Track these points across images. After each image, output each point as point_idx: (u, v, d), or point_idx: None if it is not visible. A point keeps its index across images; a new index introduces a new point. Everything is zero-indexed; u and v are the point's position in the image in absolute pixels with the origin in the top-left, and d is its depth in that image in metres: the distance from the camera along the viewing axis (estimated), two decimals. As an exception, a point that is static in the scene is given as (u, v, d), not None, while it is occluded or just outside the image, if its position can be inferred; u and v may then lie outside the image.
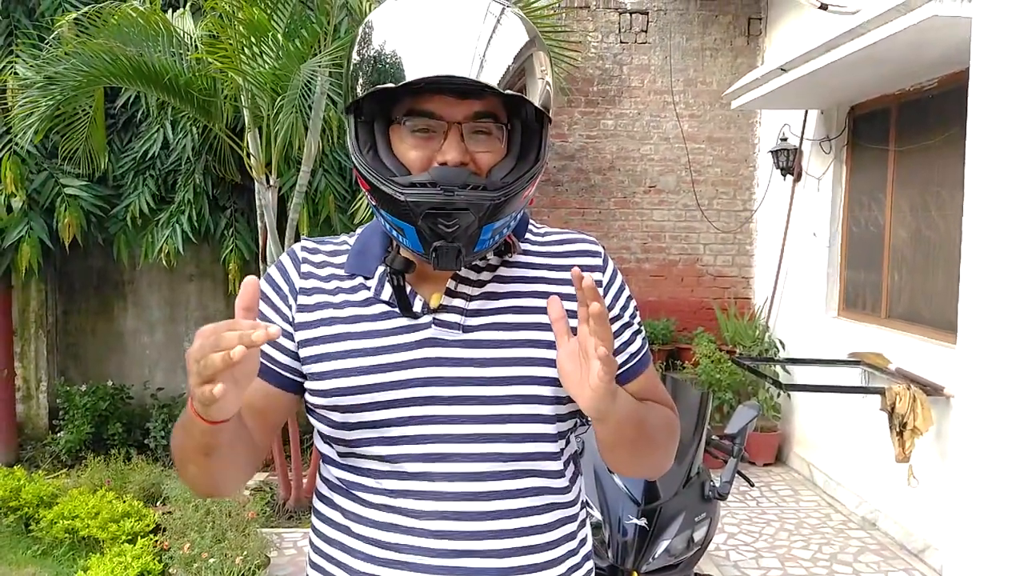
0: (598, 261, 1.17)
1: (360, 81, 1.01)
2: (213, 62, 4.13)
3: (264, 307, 1.11)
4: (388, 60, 0.98)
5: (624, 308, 1.17)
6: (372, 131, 1.05)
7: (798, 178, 5.84)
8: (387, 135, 1.05)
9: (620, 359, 1.14)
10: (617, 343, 1.14)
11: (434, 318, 1.08)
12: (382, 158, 1.03)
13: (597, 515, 2.49)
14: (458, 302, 1.09)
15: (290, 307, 1.11)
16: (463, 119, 1.01)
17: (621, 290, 1.18)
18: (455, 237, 0.98)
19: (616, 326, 1.15)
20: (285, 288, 1.12)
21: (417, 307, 1.09)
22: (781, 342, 5.98)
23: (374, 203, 1.05)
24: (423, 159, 1.02)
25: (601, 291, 1.14)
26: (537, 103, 1.02)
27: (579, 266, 1.13)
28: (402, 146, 1.03)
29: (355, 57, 1.01)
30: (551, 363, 1.07)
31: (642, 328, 1.20)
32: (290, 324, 1.10)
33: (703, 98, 6.56)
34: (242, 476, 1.09)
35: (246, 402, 0.97)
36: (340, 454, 1.11)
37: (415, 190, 0.98)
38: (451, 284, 1.10)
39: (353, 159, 1.05)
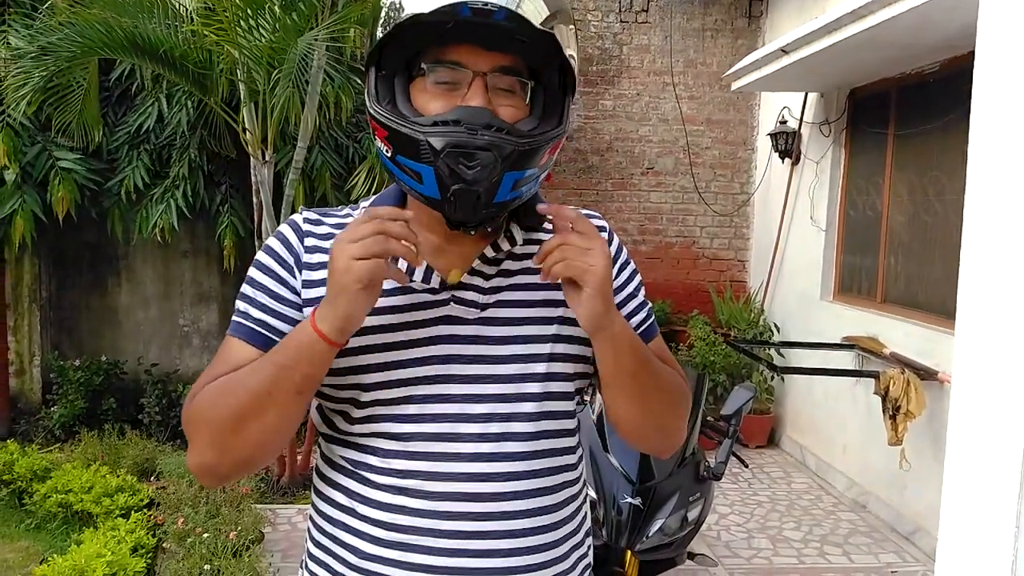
0: (603, 236, 1.16)
1: (388, 27, 1.00)
2: (209, 34, 4.08)
3: (266, 279, 1.07)
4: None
5: (628, 281, 1.18)
6: (391, 86, 1.02)
7: (796, 161, 5.82)
8: (407, 91, 1.02)
9: None
10: (623, 313, 1.14)
11: (452, 295, 1.06)
12: (400, 108, 1.00)
13: (592, 494, 2.50)
14: (477, 280, 1.08)
15: (296, 280, 1.07)
16: (488, 69, 0.99)
17: (625, 265, 1.19)
18: (475, 180, 0.94)
19: (620, 296, 1.16)
20: (290, 260, 1.08)
21: (435, 283, 1.06)
22: (776, 325, 5.99)
23: (389, 153, 1.01)
24: (445, 108, 0.98)
25: None
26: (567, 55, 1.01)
27: None
28: (423, 97, 1.00)
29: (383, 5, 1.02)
30: (564, 339, 1.08)
31: (648, 302, 1.21)
32: (297, 296, 1.06)
33: (703, 79, 6.52)
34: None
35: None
36: (345, 432, 1.08)
37: (437, 128, 0.95)
38: (476, 263, 1.08)
39: (370, 109, 1.02)
